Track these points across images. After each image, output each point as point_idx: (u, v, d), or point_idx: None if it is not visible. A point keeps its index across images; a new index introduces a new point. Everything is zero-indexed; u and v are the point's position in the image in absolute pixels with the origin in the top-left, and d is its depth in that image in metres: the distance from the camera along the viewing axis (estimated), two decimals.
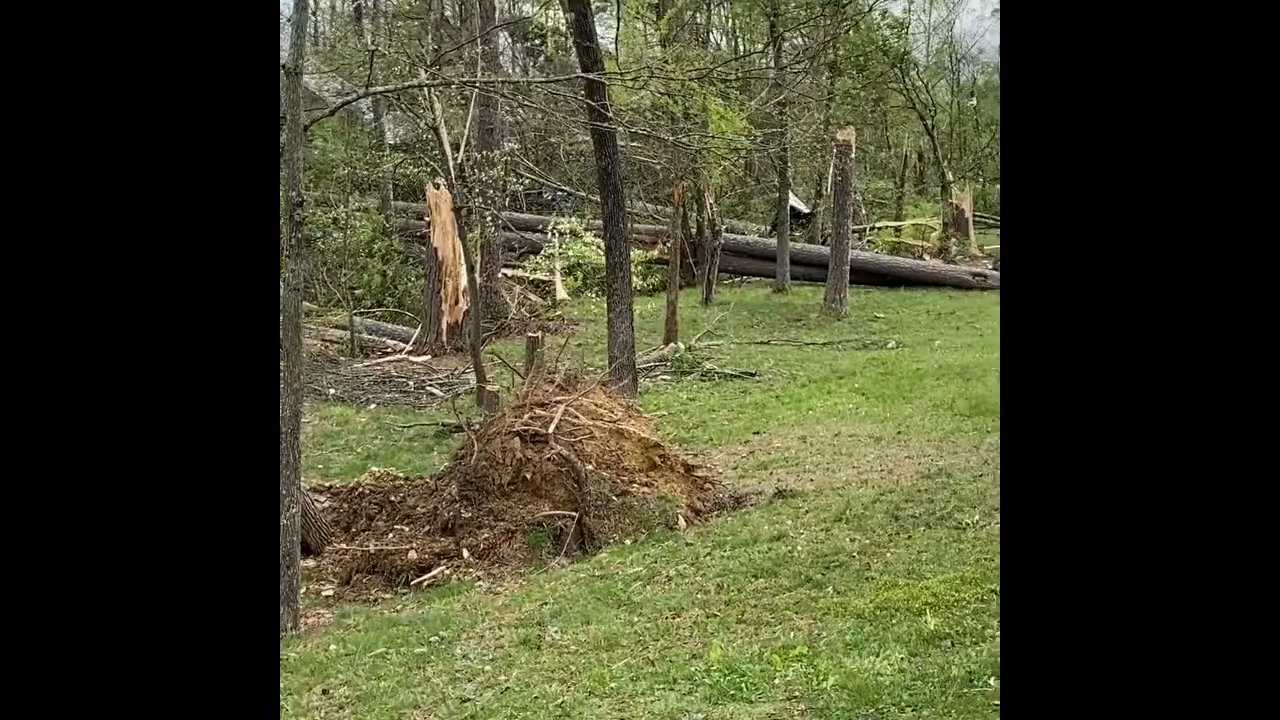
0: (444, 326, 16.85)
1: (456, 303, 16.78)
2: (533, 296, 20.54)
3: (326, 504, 9.10)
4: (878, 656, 5.03)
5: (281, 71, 7.22)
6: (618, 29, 20.61)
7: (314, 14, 24.62)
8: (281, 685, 6.11)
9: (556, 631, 6.16)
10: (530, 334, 13.46)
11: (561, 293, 21.16)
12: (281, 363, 7.52)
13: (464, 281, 16.03)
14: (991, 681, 4.55)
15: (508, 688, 5.40)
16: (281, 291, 7.53)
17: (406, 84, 13.24)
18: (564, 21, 19.44)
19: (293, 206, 7.52)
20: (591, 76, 10.63)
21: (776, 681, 4.93)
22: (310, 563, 8.13)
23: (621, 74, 12.51)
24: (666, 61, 14.25)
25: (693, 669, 5.22)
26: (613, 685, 5.17)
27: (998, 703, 4.35)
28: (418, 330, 17.31)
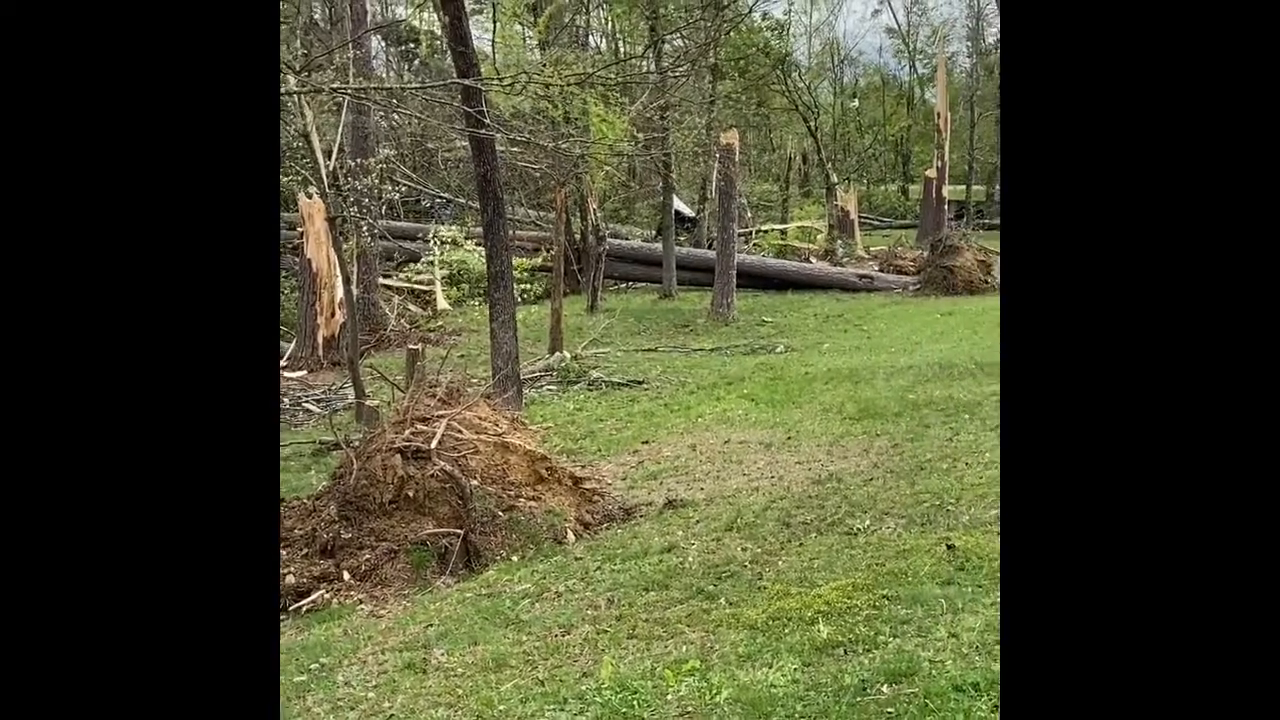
0: (319, 340, 16.65)
1: (332, 315, 16.60)
2: (412, 307, 20.39)
3: None
4: (771, 668, 5.05)
5: None
6: (494, 31, 20.57)
7: None
8: None
9: (442, 654, 6.10)
10: (410, 346, 13.33)
11: (442, 302, 21.04)
12: None
13: (340, 293, 15.87)
14: (884, 689, 4.60)
15: (392, 715, 5.34)
16: None
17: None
18: (439, 25, 19.32)
19: None
20: (468, 82, 10.55)
21: (669, 698, 4.93)
22: None
23: (499, 78, 12.45)
24: (545, 65, 14.21)
25: (584, 688, 5.20)
26: (501, 708, 5.14)
27: (892, 710, 4.41)
28: (291, 345, 17.05)
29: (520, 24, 20.32)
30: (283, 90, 12.78)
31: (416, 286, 21.58)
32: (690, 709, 4.76)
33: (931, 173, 36.53)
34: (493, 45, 19.95)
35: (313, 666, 6.31)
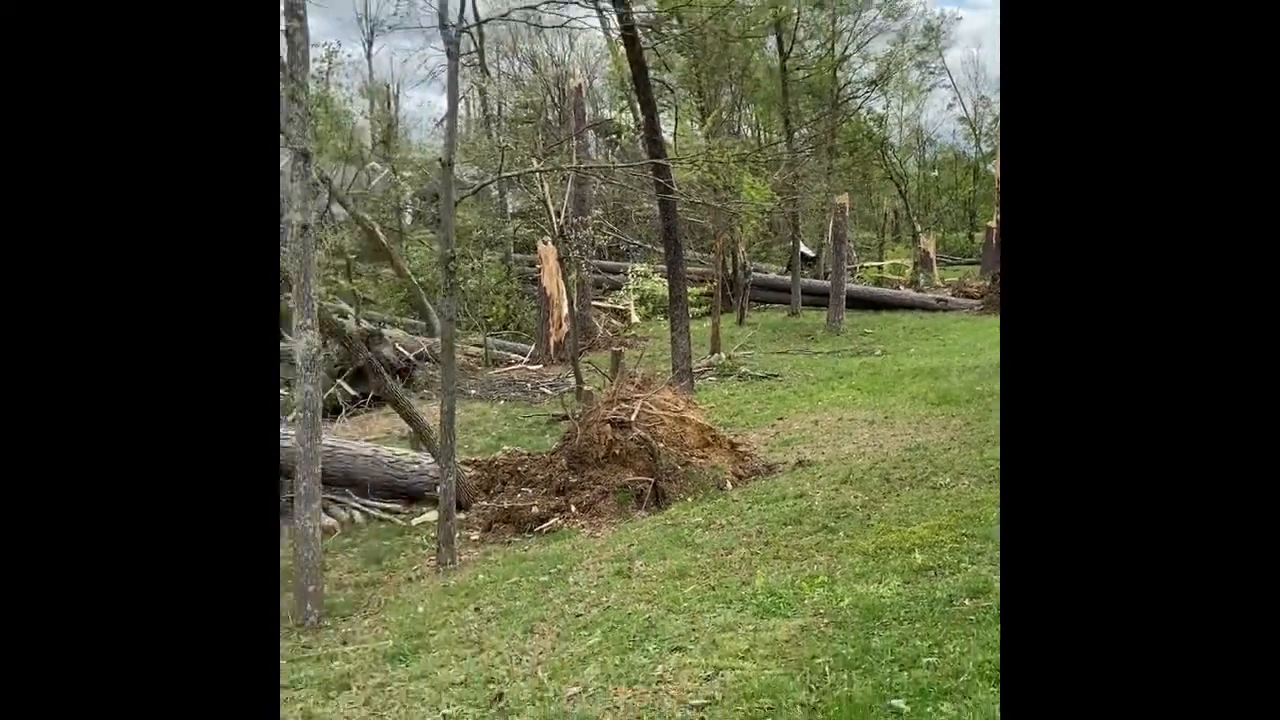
0: (551, 344, 16.91)
1: (560, 326, 16.84)
2: (614, 321, 20.56)
3: (472, 473, 9.17)
4: (880, 584, 4.98)
5: (439, 163, 7.29)
6: (675, 126, 20.59)
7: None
8: (444, 604, 6.17)
9: (641, 565, 6.16)
10: (614, 349, 13.49)
11: (634, 318, 21.19)
12: (443, 372, 7.61)
13: (565, 311, 16.12)
14: (967, 601, 4.50)
15: (608, 606, 5.41)
16: (439, 322, 7.64)
17: (524, 169, 13.33)
18: (633, 122, 19.50)
19: (447, 259, 7.59)
20: (659, 161, 10.64)
21: (806, 602, 4.90)
22: (461, 516, 8.19)
23: (680, 159, 12.51)
24: (711, 149, 14.23)
25: (743, 592, 5.20)
26: (685, 605, 5.16)
27: (973, 617, 4.32)
28: (532, 347, 17.39)
29: (691, 120, 20.39)
30: (529, 169, 13.09)
31: (617, 306, 21.76)
32: (821, 610, 4.73)
33: (992, 223, 35.39)
34: (674, 135, 19.99)
35: (552, 570, 6.45)
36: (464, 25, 7.50)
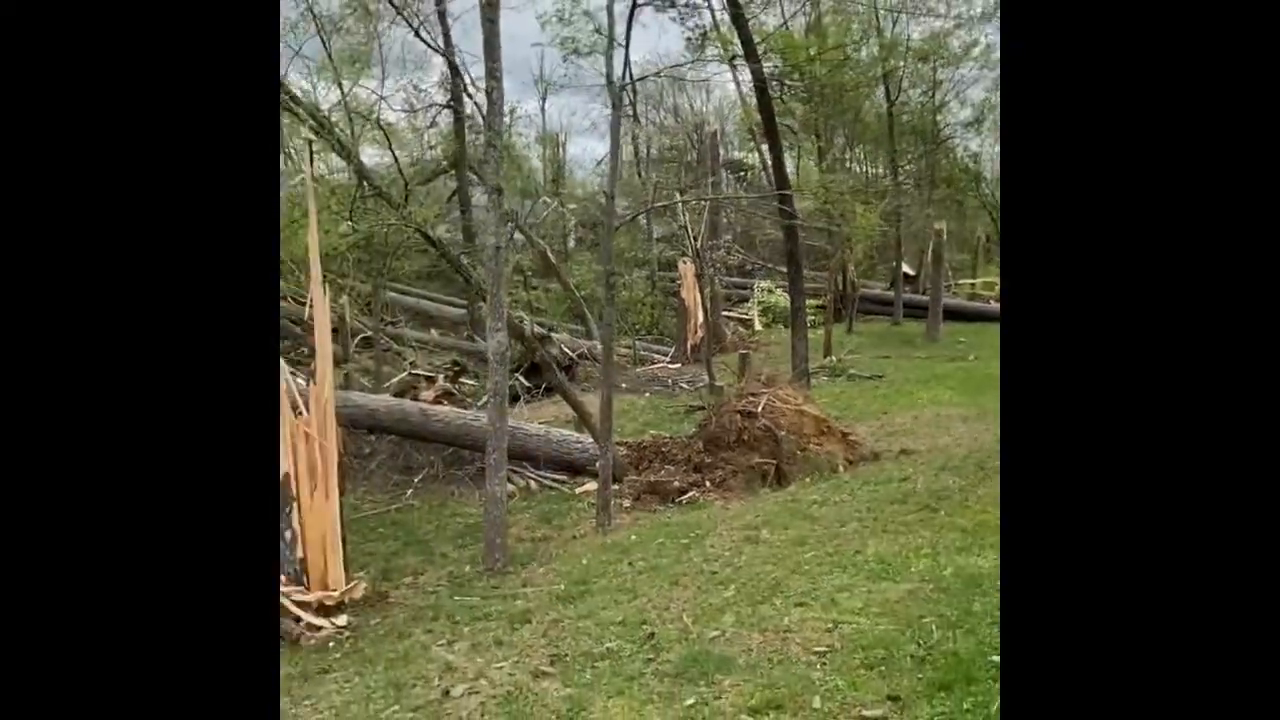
0: (688, 347, 16.93)
1: (695, 332, 16.83)
2: (740, 328, 20.44)
3: (624, 452, 9.28)
4: (979, 556, 4.81)
5: (603, 195, 7.44)
6: (798, 163, 20.31)
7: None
8: (603, 558, 6.26)
9: (767, 533, 6.11)
10: (741, 351, 13.42)
11: (757, 326, 21.02)
12: (603, 368, 7.73)
13: (700, 319, 16.14)
14: None
15: (740, 566, 5.39)
16: (598, 327, 7.78)
17: (668, 202, 13.42)
18: (759, 162, 19.36)
19: (608, 275, 7.72)
20: (785, 192, 10.54)
21: (912, 570, 4.78)
22: (616, 487, 8.29)
23: (802, 191, 12.35)
24: (828, 184, 14.00)
25: (857, 559, 5.11)
26: (806, 568, 5.10)
27: None
28: (672, 349, 17.46)
29: (810, 159, 20.10)
30: (673, 202, 13.16)
31: (743, 316, 21.62)
32: (927, 578, 4.60)
33: None
34: (796, 171, 19.75)
35: (691, 535, 6.46)
36: (625, 83, 7.61)
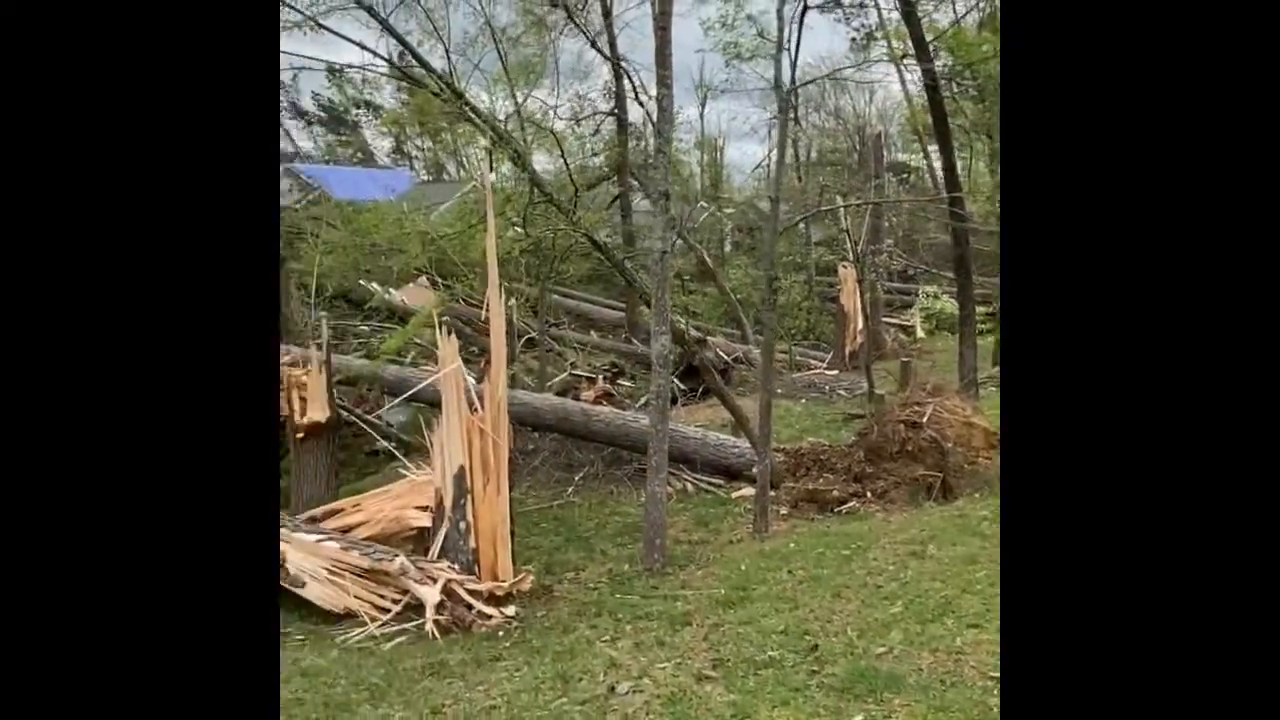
0: (847, 353, 16.55)
1: (854, 338, 16.43)
2: (902, 335, 19.77)
3: (781, 459, 9.16)
4: None
5: (768, 199, 7.39)
6: (970, 164, 19.44)
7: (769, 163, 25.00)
8: (762, 565, 6.19)
9: (934, 549, 5.85)
10: (903, 359, 13.00)
11: (920, 333, 20.26)
12: (762, 372, 7.68)
13: (860, 324, 15.74)
14: None
15: (906, 581, 5.19)
16: (759, 335, 7.75)
17: (831, 206, 13.17)
18: (924, 164, 18.67)
19: (770, 279, 7.66)
20: (957, 194, 10.11)
21: None
22: (772, 493, 8.21)
23: (974, 193, 11.82)
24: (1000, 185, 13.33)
25: None
26: (978, 588, 4.84)
27: None
28: (830, 355, 17.11)
29: (981, 161, 19.16)
30: (832, 207, 12.90)
31: (903, 323, 20.91)
32: None
33: None
34: (967, 174, 18.92)
35: (853, 546, 6.29)
36: (793, 86, 7.53)
